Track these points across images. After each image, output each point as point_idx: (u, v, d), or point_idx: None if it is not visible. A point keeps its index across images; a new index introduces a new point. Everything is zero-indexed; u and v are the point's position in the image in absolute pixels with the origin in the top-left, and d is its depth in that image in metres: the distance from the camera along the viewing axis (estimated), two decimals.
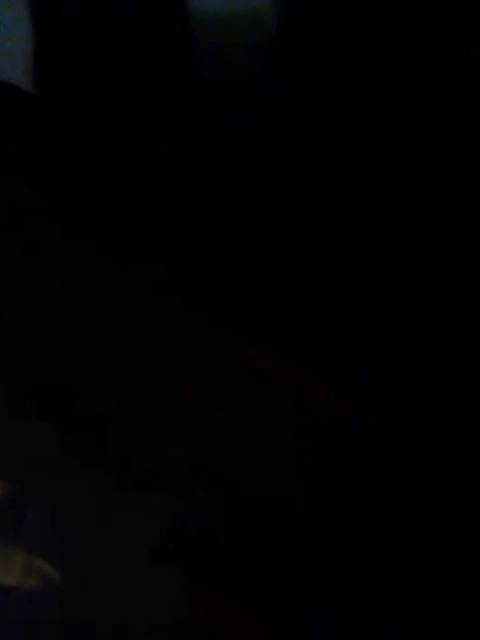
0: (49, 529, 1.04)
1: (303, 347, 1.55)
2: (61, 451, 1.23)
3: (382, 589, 1.19)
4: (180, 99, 2.29)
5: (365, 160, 1.83)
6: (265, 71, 2.03)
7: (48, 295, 1.43)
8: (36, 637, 1.01)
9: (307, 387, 1.47)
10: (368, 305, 1.57)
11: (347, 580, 1.21)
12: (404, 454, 1.36)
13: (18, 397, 1.28)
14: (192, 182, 2.12)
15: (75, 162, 2.20)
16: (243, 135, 2.16)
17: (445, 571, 1.25)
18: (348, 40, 2.12)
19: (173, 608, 1.11)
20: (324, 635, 1.17)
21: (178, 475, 1.28)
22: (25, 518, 1.05)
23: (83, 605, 1.01)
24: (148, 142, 2.14)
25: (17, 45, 2.38)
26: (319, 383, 1.47)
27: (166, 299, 1.57)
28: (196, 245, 1.78)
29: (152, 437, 1.33)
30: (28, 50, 2.41)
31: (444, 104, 1.90)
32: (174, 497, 1.17)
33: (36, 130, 2.09)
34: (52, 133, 2.09)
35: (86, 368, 1.34)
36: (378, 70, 1.93)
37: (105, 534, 1.08)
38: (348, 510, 1.27)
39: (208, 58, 2.45)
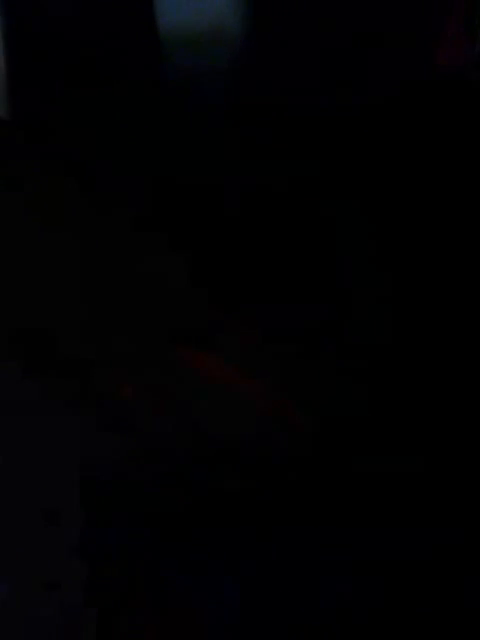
0: None
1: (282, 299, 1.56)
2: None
3: (365, 540, 1.20)
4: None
5: (349, 97, 1.81)
6: (249, 10, 2.00)
7: (29, 234, 1.41)
8: None
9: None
10: (353, 245, 1.56)
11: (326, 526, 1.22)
12: (387, 396, 1.37)
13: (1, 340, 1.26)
14: (173, 121, 2.09)
15: (56, 103, 2.16)
16: (226, 76, 2.13)
17: (429, 521, 1.27)
18: None
19: None
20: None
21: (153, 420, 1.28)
22: None
23: None
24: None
25: None
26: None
27: (147, 238, 1.56)
28: (179, 182, 1.75)
29: (131, 378, 1.33)
30: (2, 72, 2.35)
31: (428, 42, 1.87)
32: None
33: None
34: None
35: (68, 308, 1.33)
36: (363, 5, 1.90)
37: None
38: (332, 454, 1.28)
39: (175, 76, 2.41)
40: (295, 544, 1.17)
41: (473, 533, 1.28)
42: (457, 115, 1.68)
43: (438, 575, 1.20)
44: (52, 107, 2.27)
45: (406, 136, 1.76)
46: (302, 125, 1.94)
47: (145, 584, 1.13)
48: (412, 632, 1.16)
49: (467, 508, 1.32)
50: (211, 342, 1.56)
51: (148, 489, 1.23)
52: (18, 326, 1.27)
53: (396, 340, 1.47)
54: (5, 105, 2.34)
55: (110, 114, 2.23)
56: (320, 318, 1.51)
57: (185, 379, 1.52)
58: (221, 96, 2.30)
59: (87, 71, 2.31)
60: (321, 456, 1.29)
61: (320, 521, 1.20)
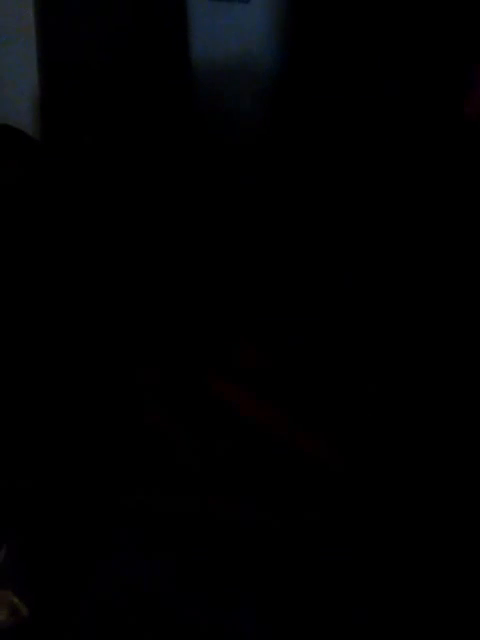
0: (21, 565, 1.09)
1: None
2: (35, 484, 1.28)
3: None
4: (178, 139, 2.33)
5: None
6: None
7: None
8: None
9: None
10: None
11: None
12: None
13: None
14: (203, 148, 2.16)
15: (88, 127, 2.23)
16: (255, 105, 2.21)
17: None
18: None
19: None
20: None
21: None
22: None
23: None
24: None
25: (24, 90, 2.42)
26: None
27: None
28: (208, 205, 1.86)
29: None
30: (35, 95, 2.45)
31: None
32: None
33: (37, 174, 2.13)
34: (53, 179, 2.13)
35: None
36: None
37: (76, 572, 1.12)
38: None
39: (205, 104, 2.49)
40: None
41: None
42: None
43: None
44: (84, 132, 2.35)
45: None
46: (335, 153, 1.99)
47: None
48: None
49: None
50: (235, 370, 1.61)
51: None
52: None
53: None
54: (39, 128, 2.44)
55: (141, 139, 2.31)
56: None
57: (213, 409, 1.56)
58: (251, 124, 2.38)
59: (119, 98, 2.40)
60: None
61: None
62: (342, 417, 1.53)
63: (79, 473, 1.33)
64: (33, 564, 1.10)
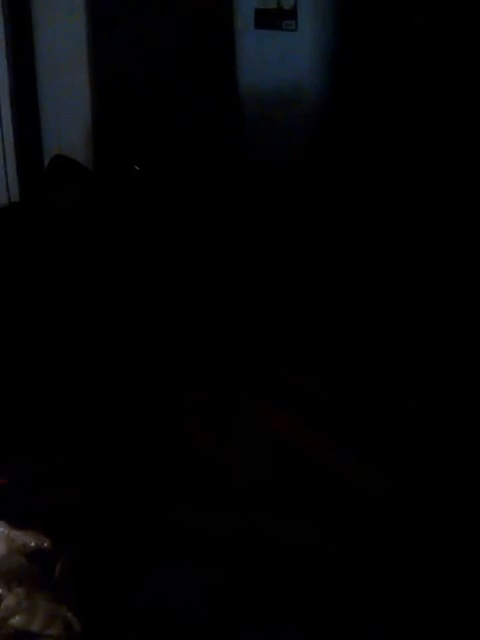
0: (75, 579, 1.12)
1: None
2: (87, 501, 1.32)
3: None
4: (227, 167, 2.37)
5: None
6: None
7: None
8: None
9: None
10: None
11: None
12: None
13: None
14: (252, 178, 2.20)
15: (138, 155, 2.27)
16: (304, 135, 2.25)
17: None
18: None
19: None
20: None
21: None
22: (53, 568, 1.14)
23: None
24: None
25: (77, 121, 2.49)
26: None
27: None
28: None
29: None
30: (88, 125, 2.52)
31: None
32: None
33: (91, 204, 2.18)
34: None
35: None
36: None
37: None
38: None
39: (253, 130, 2.53)
40: None
41: None
42: None
43: None
44: (135, 159, 2.40)
45: None
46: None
47: None
48: None
49: None
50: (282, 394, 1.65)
51: None
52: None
53: None
54: (91, 156, 2.49)
55: (189, 165, 2.35)
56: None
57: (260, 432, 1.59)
58: (299, 155, 2.41)
59: (168, 126, 2.44)
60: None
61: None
62: (386, 441, 1.55)
63: (130, 490, 1.37)
64: (86, 580, 1.14)
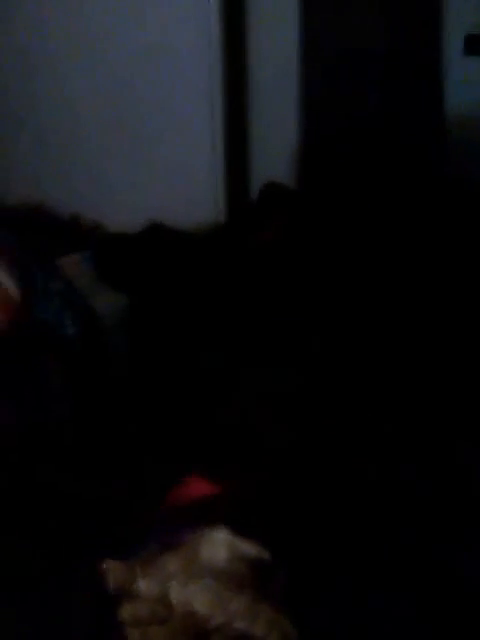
0: (292, 591, 1.19)
1: None
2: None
3: None
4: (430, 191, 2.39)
5: None
6: None
7: None
8: None
9: None
10: None
11: None
12: None
13: None
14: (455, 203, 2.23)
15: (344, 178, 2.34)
16: None
17: None
18: None
19: None
20: None
21: None
22: (272, 579, 1.21)
23: None
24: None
25: (286, 148, 2.58)
26: None
27: None
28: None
29: None
30: (295, 152, 2.60)
31: None
32: None
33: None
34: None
35: None
36: None
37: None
38: None
39: (460, 160, 2.53)
40: None
41: None
42: None
43: None
44: (341, 182, 2.46)
45: None
46: None
47: None
48: None
49: None
50: None
51: None
52: None
53: None
54: (298, 178, 2.57)
55: (395, 192, 2.39)
56: None
57: None
58: None
59: (374, 153, 2.49)
60: None
61: None
62: None
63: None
64: (301, 594, 1.21)
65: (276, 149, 2.69)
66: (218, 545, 1.25)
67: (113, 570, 1.21)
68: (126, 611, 1.17)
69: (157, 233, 2.38)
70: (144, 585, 1.20)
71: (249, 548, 1.24)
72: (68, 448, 1.63)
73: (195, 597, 1.18)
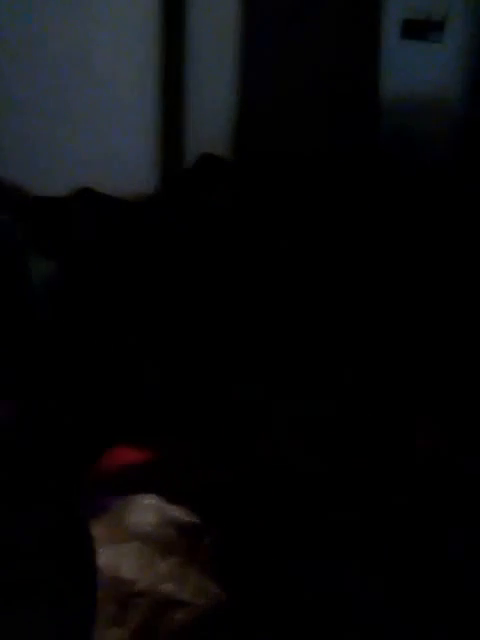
0: (221, 555, 1.19)
1: None
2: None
3: None
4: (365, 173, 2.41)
5: None
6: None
7: None
8: None
9: None
10: None
11: None
12: None
13: None
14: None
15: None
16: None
17: None
18: None
19: None
20: None
21: None
22: (201, 543, 1.20)
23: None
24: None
25: (221, 120, 2.55)
26: None
27: None
28: None
29: None
30: (229, 122, 2.57)
31: None
32: None
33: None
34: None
35: None
36: None
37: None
38: None
39: (393, 140, 2.56)
40: None
41: None
42: None
43: None
44: (277, 158, 2.44)
45: None
46: None
47: None
48: None
49: None
50: None
51: None
52: None
53: None
54: (231, 146, 2.54)
55: (327, 168, 2.39)
56: None
57: None
58: (440, 168, 2.42)
59: (308, 127, 2.47)
60: None
61: None
62: None
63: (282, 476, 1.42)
64: (231, 559, 1.20)
65: (213, 120, 2.66)
66: (146, 510, 1.24)
67: None
68: None
69: (90, 198, 2.32)
70: None
71: (178, 513, 1.23)
72: None
73: (121, 561, 1.17)
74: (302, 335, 1.96)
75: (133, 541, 1.20)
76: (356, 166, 2.51)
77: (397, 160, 2.53)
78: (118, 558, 1.18)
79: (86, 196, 2.32)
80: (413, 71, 2.65)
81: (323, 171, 2.42)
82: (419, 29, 2.64)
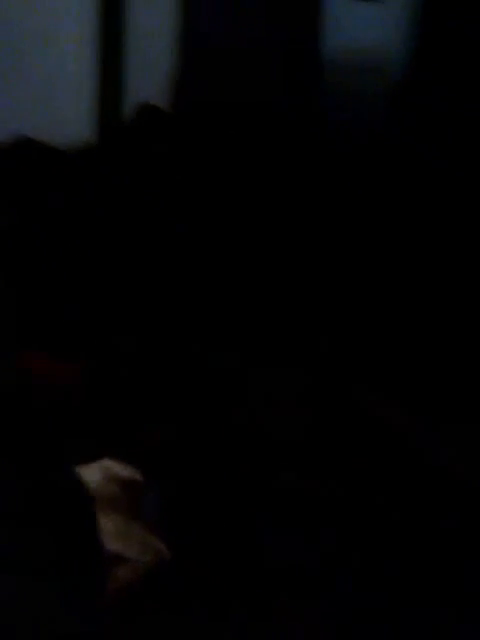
0: (164, 512, 1.19)
1: None
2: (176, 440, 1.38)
3: None
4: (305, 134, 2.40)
5: None
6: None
7: None
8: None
9: None
10: None
11: None
12: None
13: None
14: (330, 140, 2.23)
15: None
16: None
17: None
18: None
19: None
20: None
21: None
22: (144, 500, 1.20)
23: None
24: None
25: (162, 71, 2.51)
26: None
27: None
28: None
29: None
30: (169, 73, 2.54)
31: None
32: None
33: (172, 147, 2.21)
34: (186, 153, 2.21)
35: None
36: None
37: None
38: None
39: (333, 98, 2.56)
40: None
41: None
42: None
43: None
44: (218, 111, 2.42)
45: None
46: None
47: None
48: None
49: None
50: None
51: None
52: None
53: None
54: (171, 100, 2.51)
55: (266, 125, 2.37)
56: None
57: None
58: (379, 127, 2.43)
59: (250, 83, 2.46)
60: None
61: None
62: None
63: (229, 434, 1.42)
64: (176, 514, 1.21)
65: (154, 71, 2.62)
66: (90, 467, 1.22)
67: None
68: None
69: (28, 148, 2.26)
70: None
71: (122, 469, 1.22)
72: None
73: None
74: (276, 302, 1.95)
75: None
76: (296, 121, 2.50)
77: (335, 117, 2.54)
78: None
79: (24, 145, 2.26)
80: (355, 30, 2.65)
81: (263, 123, 2.41)
82: None
